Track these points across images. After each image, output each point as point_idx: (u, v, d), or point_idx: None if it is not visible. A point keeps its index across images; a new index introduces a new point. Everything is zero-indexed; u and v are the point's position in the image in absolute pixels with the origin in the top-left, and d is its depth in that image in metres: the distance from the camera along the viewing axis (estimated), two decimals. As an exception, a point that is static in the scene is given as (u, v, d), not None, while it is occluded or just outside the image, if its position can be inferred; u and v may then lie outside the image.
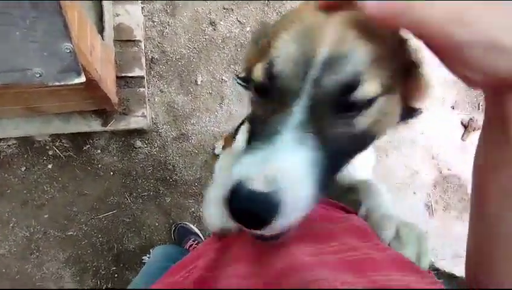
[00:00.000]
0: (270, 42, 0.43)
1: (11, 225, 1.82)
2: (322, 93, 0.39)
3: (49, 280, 1.82)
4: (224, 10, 2.11)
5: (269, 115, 0.41)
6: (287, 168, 0.35)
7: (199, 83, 2.02)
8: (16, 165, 1.84)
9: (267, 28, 0.50)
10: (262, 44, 0.48)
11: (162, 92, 1.98)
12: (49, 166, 1.87)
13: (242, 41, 2.09)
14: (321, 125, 0.39)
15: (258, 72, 0.43)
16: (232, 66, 2.07)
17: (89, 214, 1.87)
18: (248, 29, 2.10)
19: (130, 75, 1.77)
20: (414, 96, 0.49)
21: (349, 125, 0.41)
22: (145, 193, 1.92)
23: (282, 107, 0.40)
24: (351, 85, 0.39)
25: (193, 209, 1.96)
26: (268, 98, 0.43)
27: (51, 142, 1.87)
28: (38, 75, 0.87)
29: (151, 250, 1.86)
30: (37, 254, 1.83)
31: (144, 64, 1.86)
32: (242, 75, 0.57)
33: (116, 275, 1.87)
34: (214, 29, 2.09)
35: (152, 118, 1.92)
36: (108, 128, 1.75)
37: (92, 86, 1.33)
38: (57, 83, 0.91)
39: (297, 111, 0.38)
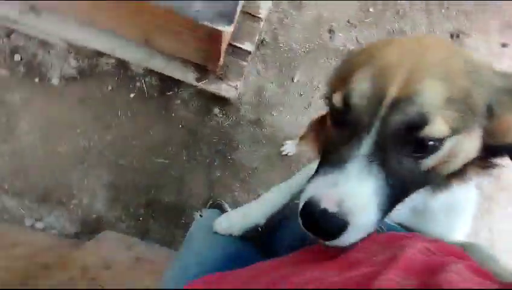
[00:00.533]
0: (350, 72, 0.46)
1: (78, 131, 1.91)
2: (389, 130, 0.42)
3: (84, 192, 1.89)
4: (348, 24, 2.07)
5: (341, 142, 0.45)
6: (354, 193, 0.41)
7: (295, 80, 2.00)
8: (105, 83, 1.93)
9: (352, 57, 0.53)
10: (344, 72, 0.50)
11: (258, 74, 1.98)
12: (131, 95, 1.95)
13: (351, 60, 2.04)
14: (387, 159, 0.43)
15: (337, 98, 0.46)
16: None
17: (145, 153, 1.91)
18: (363, 51, 2.04)
19: (239, 46, 1.78)
20: (504, 133, 0.47)
21: (416, 163, 0.44)
22: (201, 158, 1.93)
23: (353, 137, 0.44)
24: (417, 125, 0.41)
25: (236, 193, 1.93)
26: (343, 125, 0.46)
27: (142, 75, 1.94)
28: (196, 10, 0.88)
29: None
30: (86, 166, 1.90)
31: (255, 42, 1.87)
32: (326, 96, 0.59)
33: (140, 219, 1.90)
34: (331, 38, 2.05)
35: (240, 93, 1.92)
36: (200, 85, 1.78)
37: (213, 39, 1.35)
38: (208, 24, 0.92)
39: (366, 143, 0.42)
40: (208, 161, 1.94)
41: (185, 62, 1.76)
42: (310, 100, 2.00)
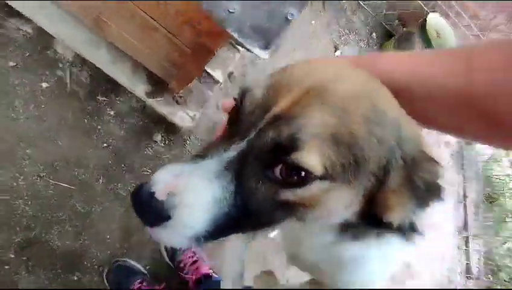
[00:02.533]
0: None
1: None
2: (259, 144, 0.38)
3: None
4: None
5: (218, 142, 0.42)
6: (191, 190, 0.37)
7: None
8: (7, 55, 1.34)
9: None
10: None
11: (218, 109, 1.71)
12: (43, 84, 1.39)
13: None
14: (246, 174, 0.39)
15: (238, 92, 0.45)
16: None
17: (41, 168, 1.34)
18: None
19: (210, 72, 1.50)
20: (385, 208, 0.41)
21: (274, 191, 0.39)
22: (122, 192, 1.47)
23: (227, 141, 0.41)
24: (286, 147, 0.37)
25: (154, 247, 1.52)
26: (231, 126, 0.44)
27: (69, 63, 1.42)
28: (231, 14, 0.61)
29: None
30: None
31: (226, 73, 1.62)
32: None
33: (7, 266, 1.27)
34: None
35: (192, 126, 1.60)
36: (149, 101, 1.39)
37: (196, 53, 1.05)
38: (242, 42, 0.65)
39: (234, 149, 0.39)
40: (127, 194, 1.49)
41: (137, 66, 1.37)
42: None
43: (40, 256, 1.30)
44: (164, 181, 0.37)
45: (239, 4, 0.57)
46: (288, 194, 0.39)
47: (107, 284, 1.38)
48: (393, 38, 2.48)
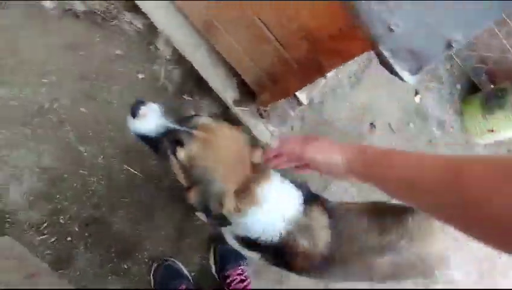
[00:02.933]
0: None
1: (44, 80, 1.34)
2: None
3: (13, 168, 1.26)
4: (388, 127, 1.95)
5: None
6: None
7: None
8: (114, 44, 1.44)
9: None
10: None
11: (292, 129, 1.69)
12: (139, 76, 1.47)
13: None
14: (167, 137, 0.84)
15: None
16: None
17: (120, 154, 1.39)
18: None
19: (297, 93, 1.49)
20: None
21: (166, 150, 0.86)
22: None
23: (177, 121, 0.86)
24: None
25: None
26: None
27: (167, 60, 1.49)
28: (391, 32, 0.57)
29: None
30: (31, 127, 1.30)
31: (310, 97, 1.60)
32: None
33: (68, 238, 1.31)
34: (369, 131, 1.89)
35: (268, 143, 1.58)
36: (234, 109, 1.41)
37: (304, 70, 1.04)
38: (391, 63, 0.60)
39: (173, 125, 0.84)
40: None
41: (232, 73, 1.39)
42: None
43: (101, 236, 1.33)
44: (146, 108, 0.83)
45: (403, 21, 0.54)
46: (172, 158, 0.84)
47: (152, 280, 1.36)
48: (479, 93, 2.33)
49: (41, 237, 1.27)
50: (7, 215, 1.24)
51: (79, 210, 1.32)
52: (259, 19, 0.96)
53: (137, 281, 1.36)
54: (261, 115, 1.42)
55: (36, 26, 1.36)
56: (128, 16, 1.45)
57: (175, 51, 1.48)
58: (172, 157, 0.82)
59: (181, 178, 0.86)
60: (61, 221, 1.30)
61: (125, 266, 1.35)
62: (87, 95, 1.39)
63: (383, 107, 1.96)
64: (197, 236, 1.47)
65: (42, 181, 1.29)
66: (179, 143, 0.79)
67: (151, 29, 1.46)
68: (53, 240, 1.28)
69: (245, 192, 0.84)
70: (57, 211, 1.30)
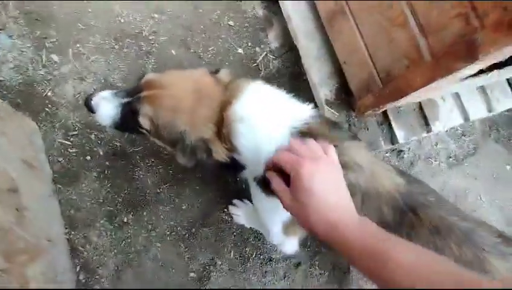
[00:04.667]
0: None
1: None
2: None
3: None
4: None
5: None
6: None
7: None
8: (236, 19, 1.45)
9: None
10: None
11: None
12: (241, 51, 1.42)
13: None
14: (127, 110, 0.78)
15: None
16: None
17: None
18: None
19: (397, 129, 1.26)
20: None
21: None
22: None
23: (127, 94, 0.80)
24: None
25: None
26: None
27: (270, 49, 1.44)
28: None
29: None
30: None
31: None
32: None
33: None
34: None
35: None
36: (322, 108, 1.22)
37: (442, 62, 0.84)
38: None
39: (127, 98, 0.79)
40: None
41: (335, 73, 1.25)
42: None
43: (119, 174, 1.11)
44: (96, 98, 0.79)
45: None
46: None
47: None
48: None
49: (64, 140, 1.10)
50: (50, 105, 1.13)
51: (114, 137, 1.16)
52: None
53: (124, 241, 1.06)
54: (349, 126, 1.21)
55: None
56: (253, 2, 1.49)
57: (282, 45, 1.43)
58: (140, 129, 0.77)
59: (163, 145, 0.81)
60: (92, 137, 1.13)
61: (125, 219, 1.07)
62: (184, 42, 1.35)
63: (477, 204, 1.58)
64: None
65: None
66: (135, 113, 0.74)
67: (268, 20, 1.46)
68: (73, 151, 1.10)
69: (225, 126, 0.71)
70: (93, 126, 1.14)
